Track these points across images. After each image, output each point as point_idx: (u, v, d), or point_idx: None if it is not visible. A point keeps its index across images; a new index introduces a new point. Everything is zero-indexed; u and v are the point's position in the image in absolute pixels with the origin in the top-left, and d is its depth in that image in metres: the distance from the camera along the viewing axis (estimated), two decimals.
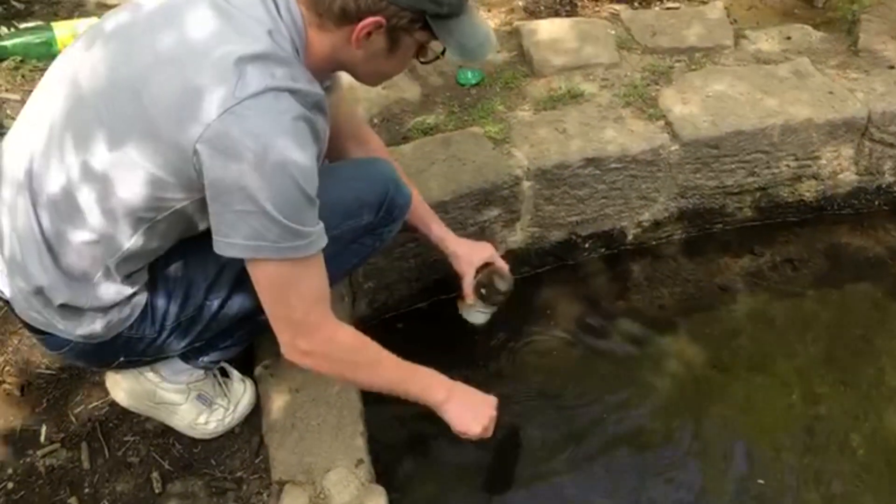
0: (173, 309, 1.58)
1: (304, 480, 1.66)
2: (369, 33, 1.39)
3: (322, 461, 1.69)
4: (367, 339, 1.58)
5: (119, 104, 1.36)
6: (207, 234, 1.45)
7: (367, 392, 1.82)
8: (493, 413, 1.73)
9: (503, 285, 1.96)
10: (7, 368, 1.89)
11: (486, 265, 1.97)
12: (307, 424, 1.76)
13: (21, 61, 2.58)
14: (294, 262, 1.39)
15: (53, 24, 2.64)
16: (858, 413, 2.13)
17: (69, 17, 2.78)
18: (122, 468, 1.76)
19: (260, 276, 1.42)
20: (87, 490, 1.72)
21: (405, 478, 1.84)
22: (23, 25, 2.70)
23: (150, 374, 1.73)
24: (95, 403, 1.85)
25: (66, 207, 1.42)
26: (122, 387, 1.76)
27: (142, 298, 1.55)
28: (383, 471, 1.76)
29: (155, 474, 1.75)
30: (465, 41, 1.45)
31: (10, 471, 1.73)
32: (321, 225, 1.41)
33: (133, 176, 1.36)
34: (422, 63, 1.55)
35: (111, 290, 1.50)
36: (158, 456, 1.78)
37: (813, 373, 2.23)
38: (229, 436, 1.82)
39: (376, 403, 1.79)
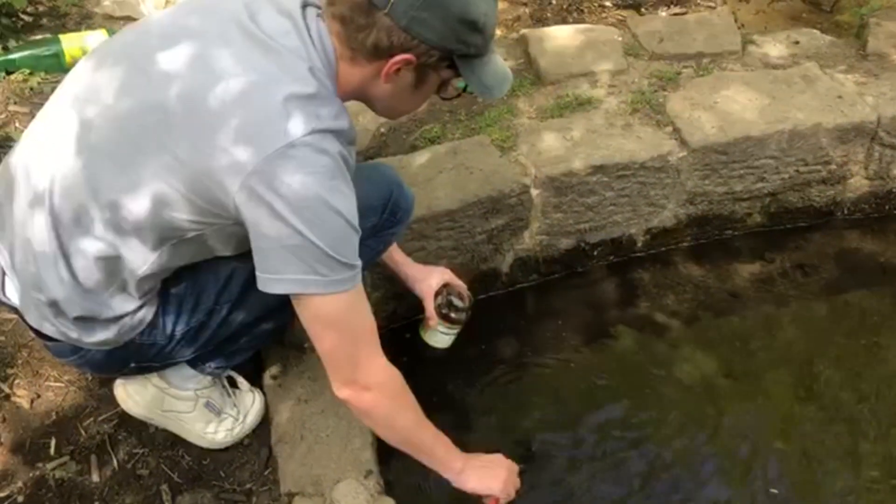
0: (184, 315, 1.59)
1: (313, 492, 1.66)
2: (399, 69, 1.42)
3: (331, 473, 1.68)
4: (406, 385, 1.58)
5: (150, 127, 1.36)
6: None
7: None
8: (508, 471, 1.73)
9: (462, 302, 1.97)
10: (17, 381, 1.89)
11: (445, 286, 1.98)
12: (316, 436, 1.75)
13: (29, 74, 2.60)
14: (339, 295, 1.40)
15: (61, 36, 2.65)
16: (872, 420, 2.11)
17: (77, 29, 2.80)
18: (131, 480, 1.76)
19: (307, 313, 1.43)
20: (96, 503, 1.72)
21: (414, 489, 1.83)
22: (31, 38, 2.71)
23: (158, 381, 1.74)
24: (105, 416, 1.85)
25: (88, 225, 1.42)
26: (131, 395, 1.76)
27: (153, 306, 1.55)
28: (393, 482, 1.76)
29: (164, 487, 1.74)
30: (486, 79, 1.49)
31: (19, 483, 1.73)
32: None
33: (162, 198, 1.37)
34: (443, 99, 1.59)
35: (125, 302, 1.50)
36: (167, 468, 1.78)
37: (825, 379, 2.22)
38: (238, 447, 1.82)
39: None
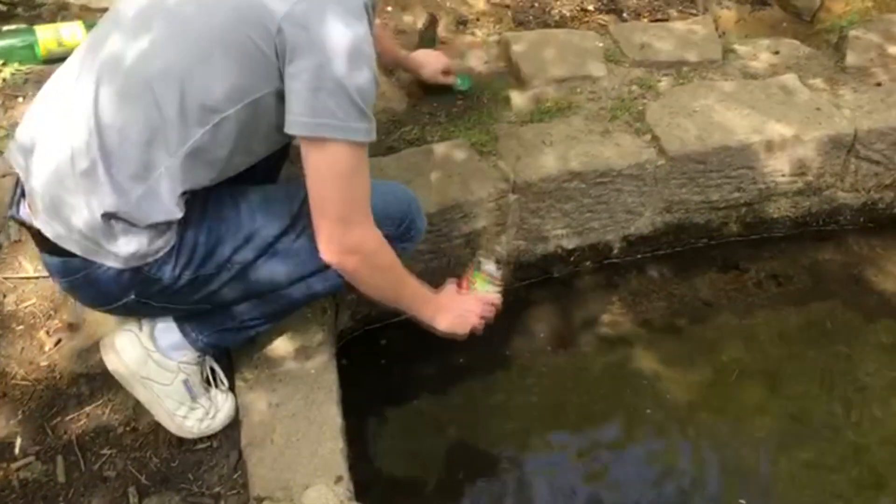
0: (196, 260, 1.60)
1: (282, 497, 1.64)
2: None
3: (301, 477, 1.67)
4: (392, 255, 1.66)
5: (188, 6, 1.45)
6: (249, 194, 1.61)
7: (347, 407, 1.81)
8: (477, 314, 1.84)
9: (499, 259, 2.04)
10: None
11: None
12: (286, 440, 1.74)
13: (3, 64, 2.55)
14: (354, 148, 1.47)
15: (36, 27, 2.61)
16: (841, 431, 2.13)
17: (52, 20, 2.75)
18: (98, 482, 1.73)
19: (321, 160, 1.47)
20: None
21: (385, 495, 1.82)
22: (5, 28, 2.67)
23: (147, 342, 1.72)
24: (72, 415, 1.82)
25: (130, 108, 1.46)
26: (117, 350, 1.72)
27: (173, 235, 1.56)
28: (363, 488, 1.74)
29: (131, 489, 1.72)
30: None
31: None
32: None
33: (207, 69, 1.44)
34: None
35: (158, 206, 1.50)
36: (135, 470, 1.75)
37: (796, 390, 2.23)
38: (207, 450, 1.80)
39: (357, 419, 1.77)
